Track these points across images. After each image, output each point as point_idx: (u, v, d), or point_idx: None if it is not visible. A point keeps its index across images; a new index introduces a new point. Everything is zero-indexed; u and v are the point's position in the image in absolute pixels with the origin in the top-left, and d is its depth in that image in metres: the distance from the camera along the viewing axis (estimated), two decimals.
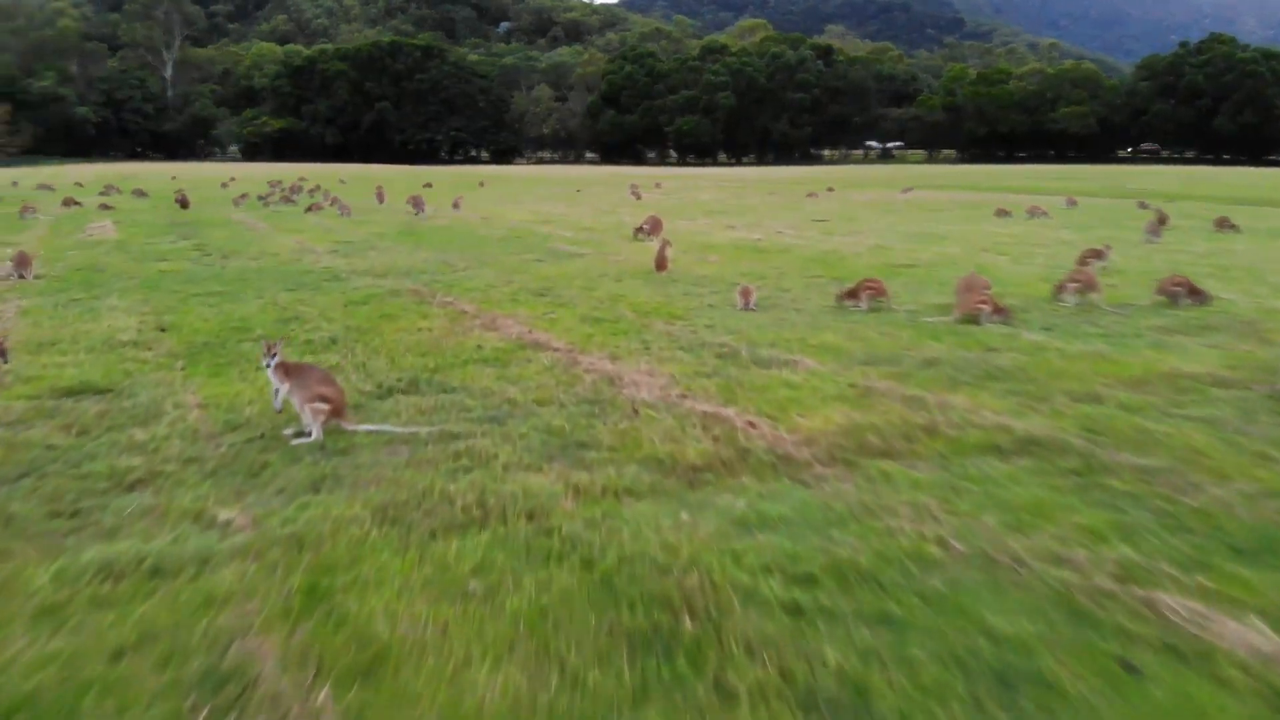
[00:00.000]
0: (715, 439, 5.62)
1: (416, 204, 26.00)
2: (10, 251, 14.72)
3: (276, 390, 6.04)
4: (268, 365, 5.95)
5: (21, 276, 13.28)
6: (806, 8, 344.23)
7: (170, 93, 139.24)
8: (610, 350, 8.22)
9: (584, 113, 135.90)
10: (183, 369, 7.75)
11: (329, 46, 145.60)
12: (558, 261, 14.95)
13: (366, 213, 26.07)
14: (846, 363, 7.63)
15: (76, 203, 29.45)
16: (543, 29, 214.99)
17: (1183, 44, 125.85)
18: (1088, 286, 10.55)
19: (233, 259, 15.56)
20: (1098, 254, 13.86)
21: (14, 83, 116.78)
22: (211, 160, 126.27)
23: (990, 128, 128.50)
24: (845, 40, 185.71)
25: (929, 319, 9.64)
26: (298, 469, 5.28)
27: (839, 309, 10.31)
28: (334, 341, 8.67)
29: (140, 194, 36.23)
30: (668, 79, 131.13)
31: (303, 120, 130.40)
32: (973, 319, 9.35)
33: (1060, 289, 10.91)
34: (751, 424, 5.89)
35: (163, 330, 9.39)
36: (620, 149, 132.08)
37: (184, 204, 27.97)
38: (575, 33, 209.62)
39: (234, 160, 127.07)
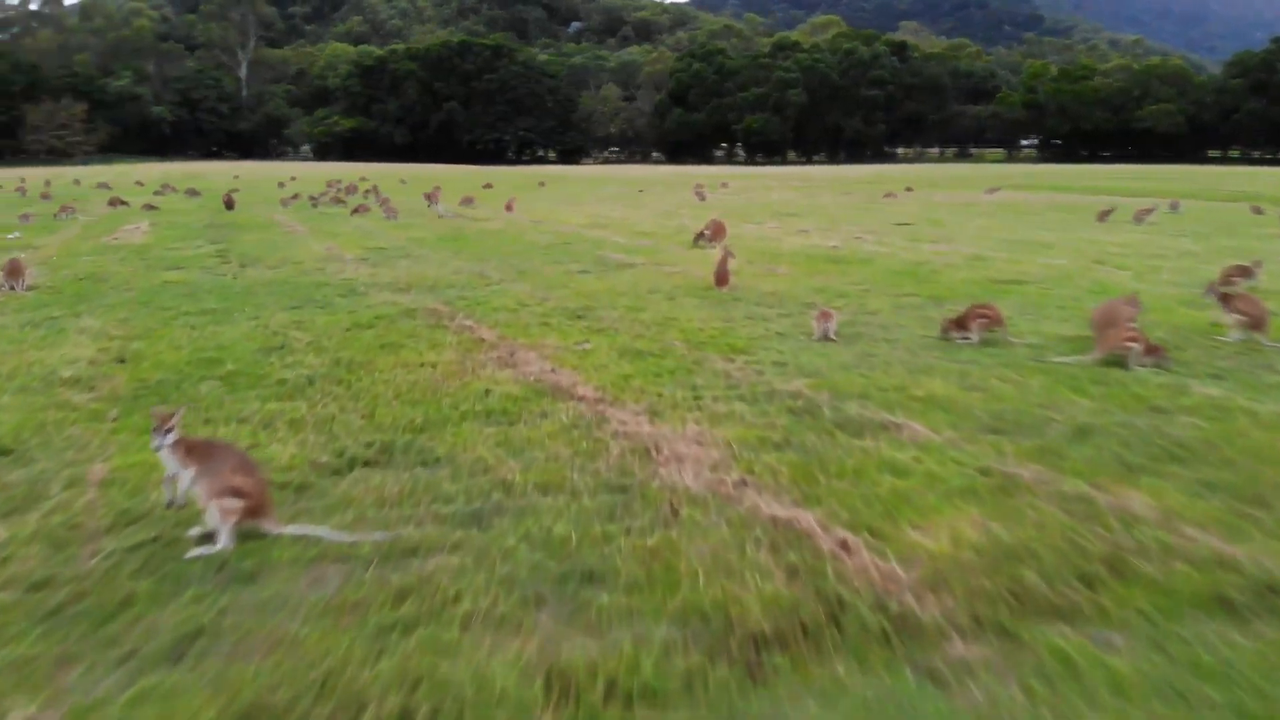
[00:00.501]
0: (790, 573, 3.76)
1: (431, 198, 24.94)
2: (25, 259, 13.47)
3: (172, 478, 4.35)
4: (157, 447, 4.27)
5: (12, 288, 11.96)
6: (880, 4, 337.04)
7: (245, 93, 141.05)
8: (650, 401, 6.40)
9: (651, 111, 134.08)
10: (114, 420, 6.15)
11: (400, 46, 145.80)
12: (605, 274, 13.16)
13: (415, 215, 24.65)
14: (968, 429, 5.67)
15: (123, 203, 28.61)
16: (613, 28, 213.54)
17: (1275, 40, 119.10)
18: (1256, 323, 8.39)
19: (251, 268, 14.11)
20: (1245, 271, 11.61)
21: (91, 82, 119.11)
22: (284, 160, 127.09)
23: (1073, 125, 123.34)
24: (920, 37, 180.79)
25: (1062, 359, 7.58)
26: (170, 611, 3.57)
27: (942, 340, 8.35)
28: (311, 382, 6.99)
29: (193, 193, 35.49)
30: (737, 76, 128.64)
31: (373, 120, 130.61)
32: (1119, 361, 7.32)
33: (1217, 297, 8.88)
34: (844, 545, 4.00)
35: (121, 361, 7.83)
36: (687, 148, 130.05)
37: (229, 205, 26.90)
38: (645, 32, 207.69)
39: (305, 160, 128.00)
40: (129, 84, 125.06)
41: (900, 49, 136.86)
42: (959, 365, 7.37)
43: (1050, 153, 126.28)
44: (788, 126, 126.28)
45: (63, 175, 56.16)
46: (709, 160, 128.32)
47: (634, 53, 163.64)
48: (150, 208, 27.16)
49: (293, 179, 49.90)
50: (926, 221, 22.08)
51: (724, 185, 44.39)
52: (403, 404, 6.35)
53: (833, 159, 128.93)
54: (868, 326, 9.11)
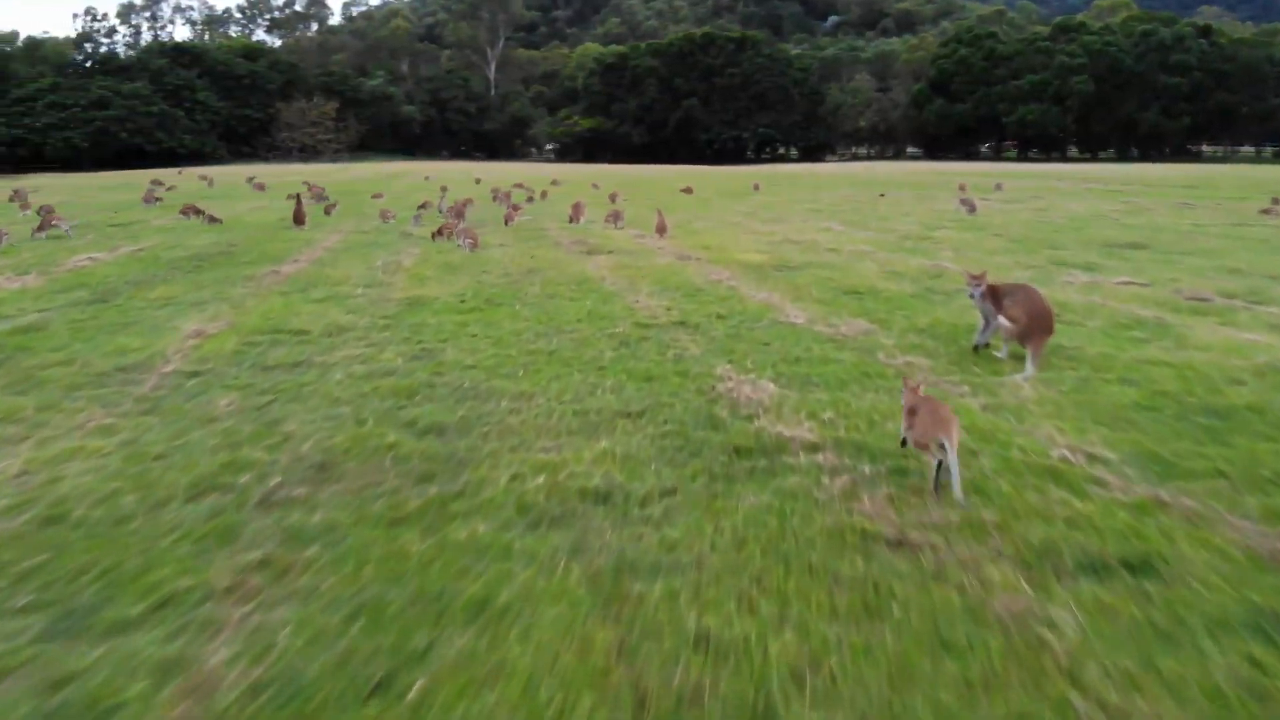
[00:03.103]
0: None
1: (574, 215, 16.23)
2: None
3: None
4: None
5: None
6: None
7: (492, 93, 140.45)
8: None
9: (907, 103, 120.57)
10: None
11: (641, 44, 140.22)
12: (687, 512, 4.16)
13: (526, 239, 16.56)
14: None
15: (199, 211, 22.51)
16: (871, 21, 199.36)
17: None
18: None
19: None
20: None
21: (345, 81, 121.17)
22: (527, 160, 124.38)
23: None
24: (1224, 22, 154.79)
25: None
26: None
27: None
28: None
29: (320, 198, 29.30)
30: (1010, 62, 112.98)
31: (612, 119, 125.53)
32: None
33: None
34: None
35: None
36: (947, 143, 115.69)
37: (298, 219, 19.97)
38: (907, 24, 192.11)
39: (548, 161, 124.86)
40: (382, 83, 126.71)
41: (1206, 32, 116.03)
42: None
43: None
44: (1069, 118, 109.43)
45: (245, 172, 52.37)
46: (973, 156, 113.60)
47: (893, 44, 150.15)
48: (214, 220, 20.74)
49: (477, 181, 43.47)
50: None
51: (997, 188, 33.46)
52: None
53: (1123, 156, 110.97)
54: None
